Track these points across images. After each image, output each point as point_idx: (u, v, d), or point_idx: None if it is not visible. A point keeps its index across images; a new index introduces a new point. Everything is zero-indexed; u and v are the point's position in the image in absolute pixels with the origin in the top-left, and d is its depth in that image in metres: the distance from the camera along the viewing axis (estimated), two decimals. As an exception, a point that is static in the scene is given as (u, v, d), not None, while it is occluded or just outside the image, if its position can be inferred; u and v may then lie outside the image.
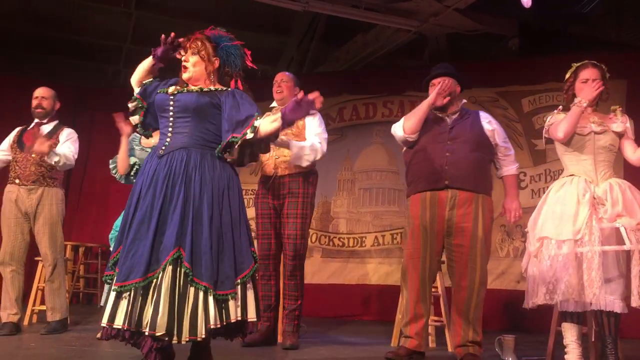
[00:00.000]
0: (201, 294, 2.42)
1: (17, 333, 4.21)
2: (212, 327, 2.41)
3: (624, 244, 3.02)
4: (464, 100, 3.70)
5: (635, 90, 5.64)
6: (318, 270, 6.58)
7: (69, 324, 4.61)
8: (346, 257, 6.61)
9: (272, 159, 3.99)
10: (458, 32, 6.61)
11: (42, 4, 7.01)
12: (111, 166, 4.07)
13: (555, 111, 3.41)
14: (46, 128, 4.40)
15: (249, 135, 2.57)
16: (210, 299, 2.42)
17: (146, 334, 2.37)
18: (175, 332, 2.38)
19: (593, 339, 3.34)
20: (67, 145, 4.34)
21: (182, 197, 2.50)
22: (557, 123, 3.30)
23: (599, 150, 3.26)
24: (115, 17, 7.30)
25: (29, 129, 4.43)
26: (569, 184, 3.25)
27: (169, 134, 2.64)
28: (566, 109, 3.37)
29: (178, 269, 2.43)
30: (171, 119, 2.65)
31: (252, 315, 2.58)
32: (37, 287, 4.78)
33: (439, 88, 3.51)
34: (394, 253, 6.34)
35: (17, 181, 4.31)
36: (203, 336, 2.41)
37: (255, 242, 4.22)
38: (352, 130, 6.84)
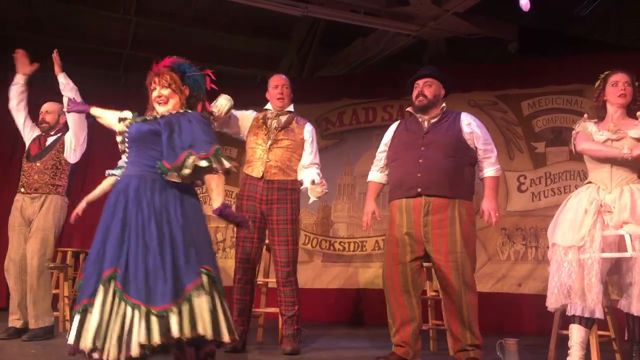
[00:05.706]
0: (130, 311, 2.49)
1: (17, 337, 4.22)
2: (143, 343, 2.44)
3: (627, 251, 3.04)
4: (443, 104, 3.62)
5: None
6: (319, 275, 6.58)
7: (68, 331, 4.60)
8: (347, 262, 6.61)
9: (263, 162, 3.94)
10: (457, 35, 6.62)
11: (42, 10, 7.02)
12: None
13: (582, 120, 3.42)
14: (51, 139, 4.48)
15: (184, 171, 2.62)
16: (138, 316, 2.47)
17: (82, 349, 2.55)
18: (102, 349, 2.48)
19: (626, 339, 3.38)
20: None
21: (120, 220, 2.62)
22: (582, 135, 3.33)
23: None
24: (114, 23, 7.32)
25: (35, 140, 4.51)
26: (584, 191, 3.29)
27: (126, 163, 2.88)
28: (596, 116, 3.41)
29: (111, 288, 2.54)
30: (126, 149, 2.85)
31: (204, 331, 2.52)
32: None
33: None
34: (394, 257, 6.33)
35: (22, 190, 4.37)
36: (137, 352, 2.44)
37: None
38: (352, 135, 6.85)
